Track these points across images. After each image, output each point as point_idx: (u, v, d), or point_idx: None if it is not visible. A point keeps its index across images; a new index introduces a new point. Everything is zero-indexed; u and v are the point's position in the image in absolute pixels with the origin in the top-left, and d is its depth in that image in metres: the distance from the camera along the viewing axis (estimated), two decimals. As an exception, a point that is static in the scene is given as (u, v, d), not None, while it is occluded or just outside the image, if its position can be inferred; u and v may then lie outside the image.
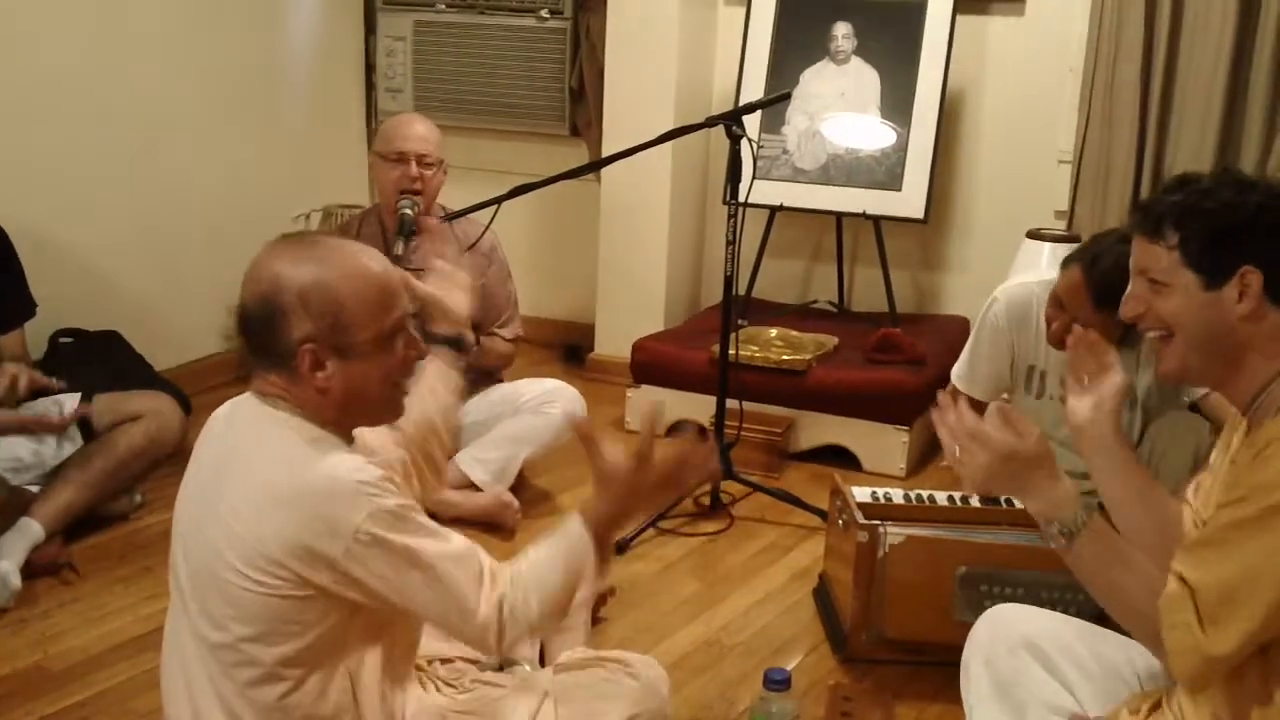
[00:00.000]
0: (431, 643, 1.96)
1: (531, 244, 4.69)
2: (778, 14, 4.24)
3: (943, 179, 4.20)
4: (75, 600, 2.83)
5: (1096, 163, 3.91)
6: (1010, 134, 4.19)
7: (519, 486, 3.37)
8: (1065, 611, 2.16)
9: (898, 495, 2.70)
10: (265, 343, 1.67)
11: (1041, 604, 2.19)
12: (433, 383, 2.05)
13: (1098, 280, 2.59)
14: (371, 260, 1.71)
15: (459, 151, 3.43)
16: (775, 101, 3.51)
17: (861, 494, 2.68)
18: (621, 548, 3.16)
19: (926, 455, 3.77)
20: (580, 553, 1.75)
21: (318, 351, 1.65)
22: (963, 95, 4.21)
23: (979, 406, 2.99)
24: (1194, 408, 2.83)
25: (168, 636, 1.79)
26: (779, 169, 4.20)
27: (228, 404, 1.81)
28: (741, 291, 4.02)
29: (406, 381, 1.77)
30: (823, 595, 2.88)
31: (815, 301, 4.48)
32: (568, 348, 4.78)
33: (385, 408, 1.77)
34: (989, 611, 1.98)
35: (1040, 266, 3.56)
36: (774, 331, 4.01)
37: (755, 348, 3.80)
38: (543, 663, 2.29)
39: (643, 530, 3.22)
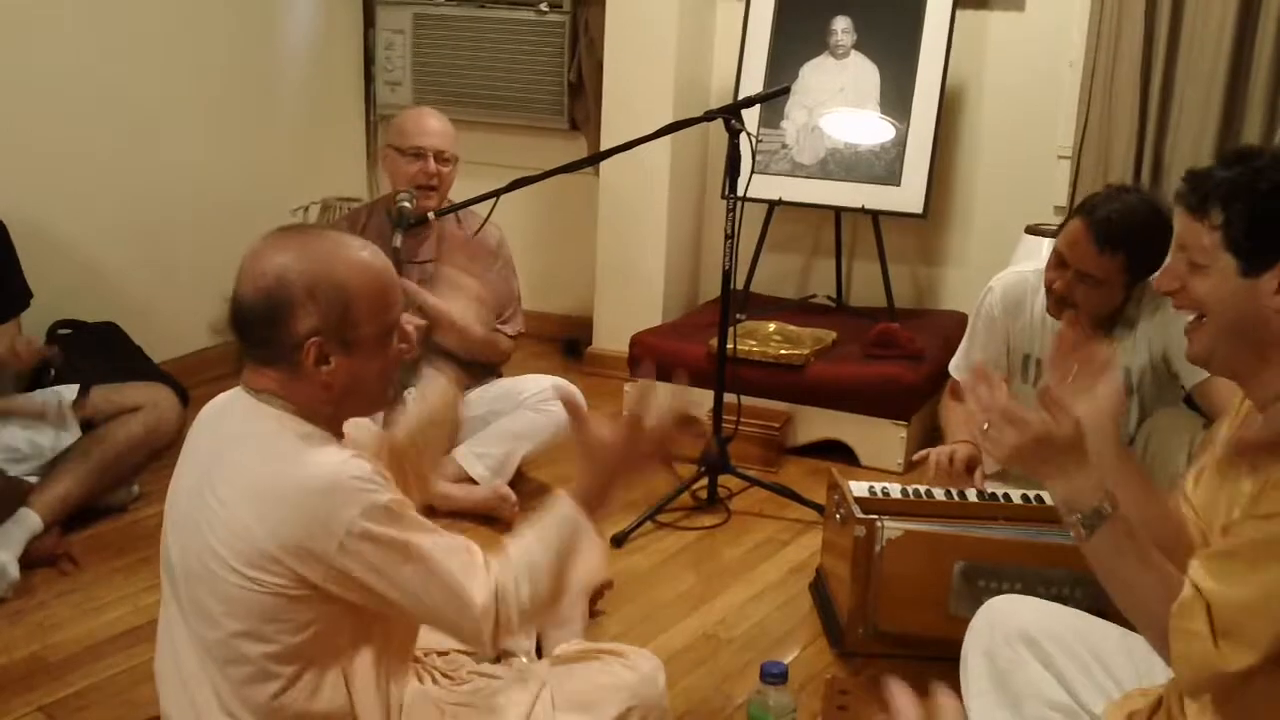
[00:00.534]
0: (428, 634, 1.96)
1: (530, 238, 4.68)
2: (777, 8, 4.24)
3: (942, 174, 4.20)
4: (73, 591, 2.83)
5: (1096, 158, 3.91)
6: (1009, 129, 4.19)
7: (516, 480, 3.37)
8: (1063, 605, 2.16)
9: (895, 490, 2.70)
10: (266, 337, 1.66)
11: (1038, 598, 2.19)
12: (426, 392, 2.06)
13: (1100, 222, 2.58)
14: (374, 255, 1.71)
15: (459, 145, 3.44)
16: (774, 96, 3.51)
17: (859, 488, 2.68)
18: (619, 541, 3.16)
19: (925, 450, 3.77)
20: (571, 532, 1.73)
21: (324, 345, 1.65)
22: (962, 90, 4.21)
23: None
24: (1189, 400, 2.83)
25: (161, 633, 1.79)
26: (778, 163, 4.20)
27: (218, 399, 1.81)
28: (740, 286, 4.02)
29: (397, 375, 1.77)
30: (820, 589, 2.88)
31: (814, 296, 4.48)
32: (566, 342, 4.78)
33: (377, 401, 1.78)
34: (988, 603, 1.98)
35: (1039, 261, 3.56)
36: (772, 326, 4.01)
37: (753, 342, 3.81)
38: (539, 655, 2.29)
39: (640, 524, 3.23)
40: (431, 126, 3.37)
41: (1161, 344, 2.77)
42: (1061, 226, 2.77)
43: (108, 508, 3.18)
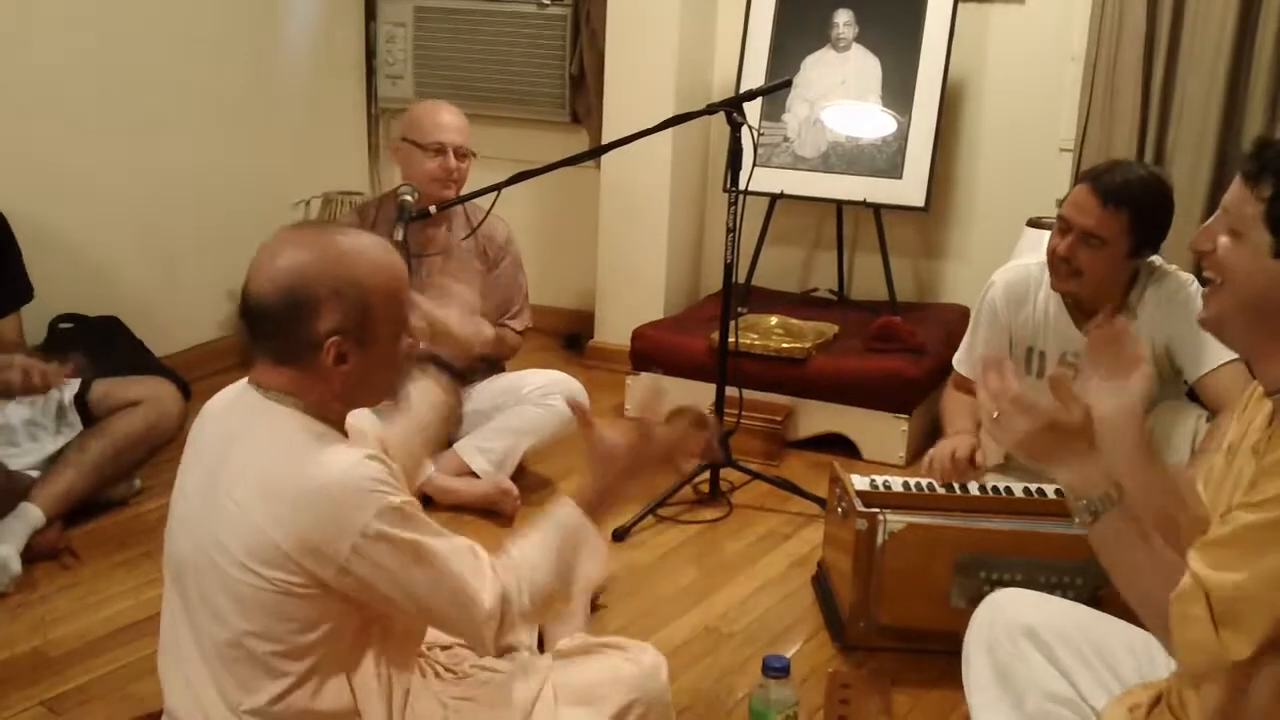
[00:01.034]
0: (431, 629, 1.96)
1: (531, 232, 4.67)
2: (779, 1, 4.23)
3: (943, 167, 4.20)
4: (74, 585, 2.83)
5: (1098, 151, 3.90)
6: (1011, 122, 4.18)
7: (518, 474, 3.37)
8: (1063, 596, 2.17)
9: (897, 483, 2.70)
10: (285, 335, 1.65)
11: (1039, 589, 2.19)
12: (419, 398, 2.07)
13: (1103, 180, 2.63)
14: (390, 253, 1.72)
15: (472, 140, 3.44)
16: (776, 89, 3.50)
17: (861, 482, 2.68)
18: (620, 535, 3.16)
19: (926, 443, 3.75)
20: (574, 537, 1.75)
21: (343, 344, 1.65)
22: (964, 83, 4.21)
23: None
24: (1191, 394, 2.83)
25: (165, 630, 1.78)
26: (779, 156, 4.20)
27: (222, 394, 1.80)
28: (742, 279, 4.01)
29: (407, 370, 1.79)
30: (821, 583, 2.88)
31: (815, 290, 4.48)
32: (568, 335, 4.78)
33: (385, 395, 1.80)
34: (990, 597, 1.98)
35: (1041, 254, 3.55)
36: (774, 319, 4.01)
37: (755, 336, 3.80)
38: (541, 649, 2.29)
39: (642, 518, 3.22)
40: (452, 121, 3.37)
41: (1165, 336, 2.77)
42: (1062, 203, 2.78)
43: (109, 502, 3.18)
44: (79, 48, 3.79)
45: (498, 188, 3.19)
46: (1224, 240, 1.55)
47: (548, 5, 4.67)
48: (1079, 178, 2.72)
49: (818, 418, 3.80)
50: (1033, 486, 2.68)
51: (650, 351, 3.99)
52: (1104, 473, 1.58)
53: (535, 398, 3.36)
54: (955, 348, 3.11)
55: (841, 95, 4.17)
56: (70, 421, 3.07)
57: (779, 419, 3.73)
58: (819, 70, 4.19)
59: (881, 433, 3.72)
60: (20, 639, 2.59)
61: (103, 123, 3.90)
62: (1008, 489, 2.68)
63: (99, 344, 3.61)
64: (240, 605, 1.64)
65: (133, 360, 3.62)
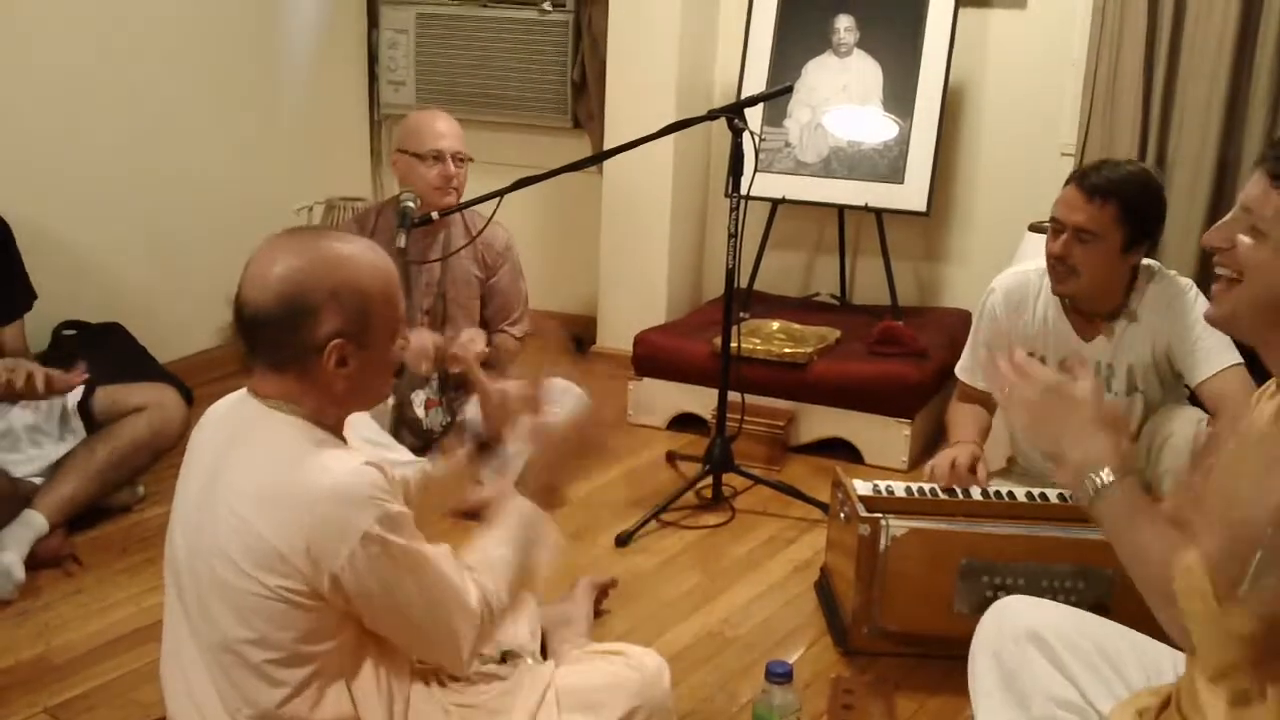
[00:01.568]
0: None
1: (533, 237, 4.68)
2: (780, 6, 4.24)
3: (945, 172, 4.20)
4: (78, 592, 2.83)
5: (1099, 155, 3.88)
6: (1012, 126, 4.19)
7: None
8: (1065, 601, 2.17)
9: (899, 488, 2.70)
10: (284, 341, 1.66)
11: (1042, 594, 2.20)
12: (443, 468, 2.14)
13: (1091, 178, 2.66)
14: (382, 256, 1.74)
15: (468, 145, 3.45)
16: (777, 94, 3.50)
17: (863, 487, 2.68)
18: (623, 541, 3.16)
19: (929, 448, 3.76)
20: (532, 528, 1.85)
21: (344, 347, 1.66)
22: (965, 88, 4.21)
23: (984, 398, 3.03)
24: (1193, 398, 2.84)
25: (166, 638, 1.79)
26: (781, 162, 4.20)
27: (220, 403, 1.81)
28: (743, 284, 4.01)
29: (396, 371, 1.84)
30: (824, 588, 2.88)
31: (817, 294, 4.48)
32: (570, 340, 4.78)
33: (379, 397, 1.83)
34: (997, 604, 1.98)
35: (1041, 259, 3.56)
36: (776, 324, 4.01)
37: (757, 340, 3.80)
38: (544, 656, 2.29)
39: (645, 523, 3.23)
40: (447, 128, 3.40)
41: (1165, 340, 2.77)
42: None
43: (112, 508, 3.18)
44: (82, 56, 3.80)
45: (500, 194, 3.19)
46: (1244, 239, 1.54)
47: (549, 11, 4.68)
48: (1067, 179, 2.75)
49: (820, 422, 3.80)
50: (1036, 491, 2.68)
51: (652, 356, 4.00)
52: (1106, 451, 1.60)
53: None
54: (957, 352, 3.11)
55: (843, 100, 4.17)
56: (74, 428, 3.07)
57: (781, 424, 3.73)
58: (820, 75, 4.20)
59: (884, 437, 3.72)
60: (24, 646, 2.59)
61: (106, 130, 3.90)
62: (1010, 494, 2.68)
63: (102, 350, 3.62)
64: (238, 613, 1.64)
65: (136, 366, 3.62)
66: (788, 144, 4.21)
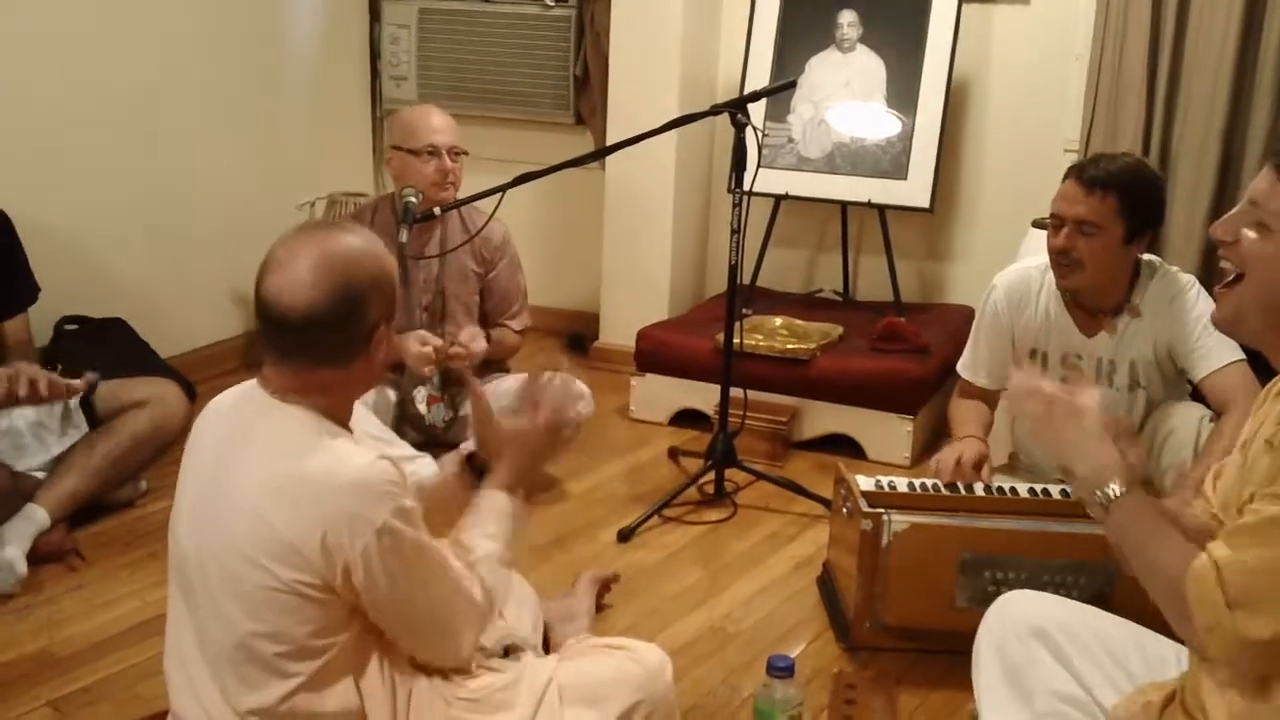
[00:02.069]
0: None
1: (536, 233, 4.68)
2: (783, 2, 4.23)
3: (948, 168, 4.20)
4: (80, 586, 2.84)
5: (1103, 150, 3.89)
6: (1016, 122, 4.18)
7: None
8: (1067, 595, 2.17)
9: (902, 483, 2.70)
10: (341, 335, 1.67)
11: (1043, 588, 2.19)
12: (440, 481, 2.19)
13: (1089, 171, 2.67)
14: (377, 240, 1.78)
15: (463, 139, 3.45)
16: (780, 90, 3.50)
17: (866, 482, 2.68)
18: (626, 536, 3.16)
19: (931, 444, 3.76)
20: (514, 521, 1.92)
21: (388, 330, 1.72)
22: (968, 83, 4.20)
23: (985, 394, 3.03)
24: (1195, 394, 2.83)
25: (170, 631, 1.79)
26: (784, 157, 4.20)
27: (222, 397, 1.81)
28: (746, 280, 4.00)
29: None
30: (826, 583, 2.88)
31: (820, 290, 4.48)
32: (572, 336, 4.78)
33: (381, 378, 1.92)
34: (1000, 598, 1.98)
35: (1043, 256, 3.56)
36: (779, 320, 4.01)
37: (760, 336, 3.80)
38: (547, 650, 2.29)
39: (647, 518, 3.23)
40: (441, 123, 3.39)
41: (1167, 336, 2.77)
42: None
43: (115, 503, 3.18)
44: (84, 52, 3.80)
45: (501, 189, 3.19)
46: (1249, 234, 1.52)
47: (551, 6, 4.67)
48: (1065, 174, 2.75)
49: (822, 418, 3.80)
50: (1038, 487, 2.68)
51: (654, 352, 4.00)
52: (1114, 463, 1.59)
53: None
54: (960, 348, 3.10)
55: (846, 96, 4.17)
56: (76, 423, 3.07)
57: (784, 420, 3.73)
58: (823, 71, 4.19)
59: (886, 433, 3.72)
60: (27, 640, 2.59)
61: (108, 125, 3.90)
62: (1013, 489, 2.67)
63: (104, 345, 3.62)
64: (249, 606, 1.65)
65: (138, 361, 3.62)
66: (791, 140, 4.21)
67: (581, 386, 3.42)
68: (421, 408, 3.38)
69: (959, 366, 3.07)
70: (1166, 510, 1.65)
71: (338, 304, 1.65)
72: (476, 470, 2.26)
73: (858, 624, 2.61)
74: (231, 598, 1.66)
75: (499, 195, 3.20)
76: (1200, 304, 2.73)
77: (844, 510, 2.70)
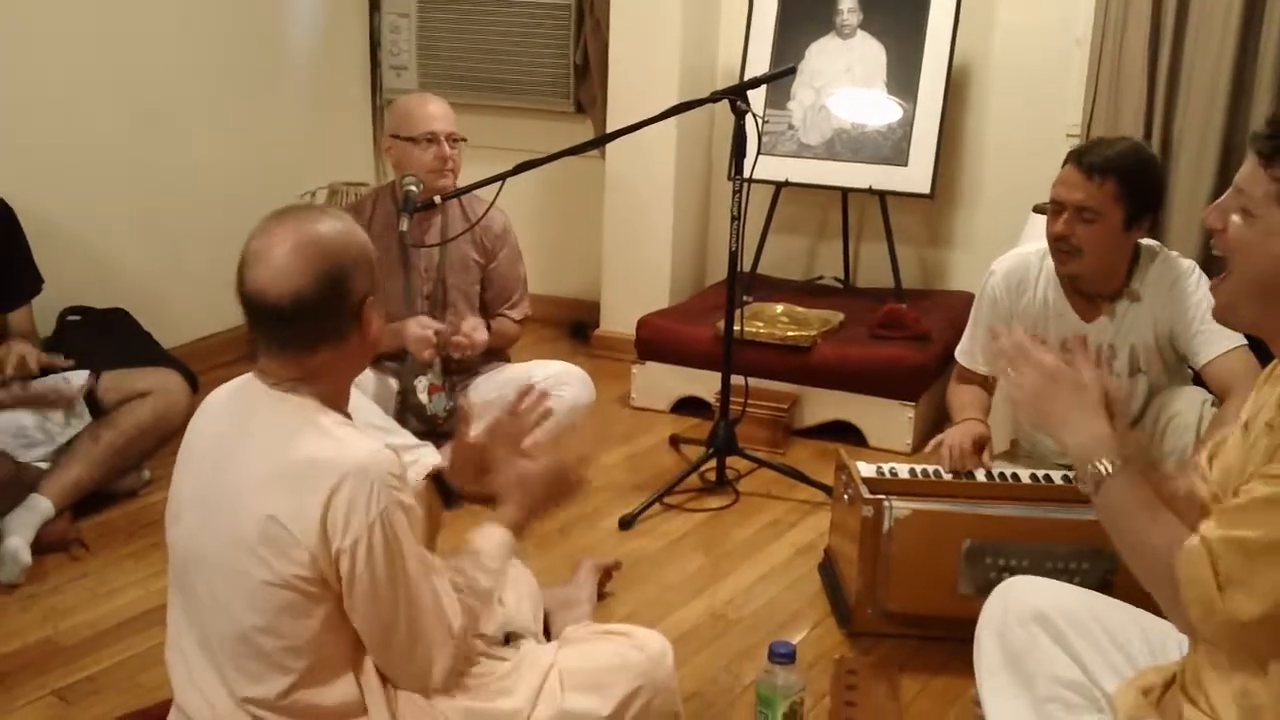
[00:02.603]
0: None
1: (536, 221, 4.68)
2: (783, -12, 4.23)
3: (949, 154, 4.19)
4: (84, 576, 2.85)
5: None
6: (1017, 108, 4.17)
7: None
8: (1069, 581, 2.17)
9: (903, 470, 2.70)
10: (329, 316, 1.67)
11: (1045, 574, 2.20)
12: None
13: (1088, 156, 2.66)
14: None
15: (463, 128, 3.45)
16: (780, 76, 3.49)
17: (867, 469, 2.68)
18: (627, 523, 3.17)
19: (932, 431, 3.75)
20: (508, 556, 1.92)
21: (374, 304, 1.72)
22: (969, 69, 4.20)
23: (982, 380, 3.03)
24: (1197, 379, 2.83)
25: (171, 627, 1.80)
26: (784, 144, 4.19)
27: (221, 390, 1.82)
28: (747, 268, 4.00)
29: None
30: (828, 570, 2.89)
31: (821, 277, 4.47)
32: (573, 325, 4.78)
33: (375, 353, 1.88)
34: (1003, 584, 1.98)
35: (1042, 242, 3.55)
36: (779, 307, 4.01)
37: (761, 324, 3.80)
38: (548, 637, 2.30)
39: (648, 505, 3.23)
40: (439, 110, 3.39)
41: (1168, 322, 2.77)
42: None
43: (118, 493, 3.19)
44: (84, 42, 3.79)
45: (501, 178, 3.19)
46: (1235, 219, 1.53)
47: (551, -6, 4.67)
48: (1064, 160, 2.74)
49: (823, 405, 3.81)
50: (1039, 473, 2.68)
51: (655, 340, 4.00)
52: (1106, 438, 1.60)
53: (541, 388, 3.35)
54: (961, 335, 3.10)
55: (846, 82, 4.16)
56: (79, 413, 3.08)
57: (785, 407, 3.73)
58: (824, 57, 4.18)
59: (887, 420, 3.73)
60: (31, 629, 2.60)
61: (109, 115, 3.90)
62: (1014, 475, 2.68)
63: (107, 336, 3.62)
64: (250, 600, 1.65)
65: (141, 352, 3.62)
66: (791, 126, 4.20)
67: (577, 370, 3.43)
68: (423, 397, 3.38)
69: (957, 352, 3.07)
70: (1162, 489, 1.65)
71: (323, 285, 1.65)
72: (443, 488, 2.27)
73: (859, 610, 2.61)
74: (235, 592, 1.66)
75: (499, 184, 3.20)
76: (1201, 289, 2.72)
77: (845, 497, 2.71)
